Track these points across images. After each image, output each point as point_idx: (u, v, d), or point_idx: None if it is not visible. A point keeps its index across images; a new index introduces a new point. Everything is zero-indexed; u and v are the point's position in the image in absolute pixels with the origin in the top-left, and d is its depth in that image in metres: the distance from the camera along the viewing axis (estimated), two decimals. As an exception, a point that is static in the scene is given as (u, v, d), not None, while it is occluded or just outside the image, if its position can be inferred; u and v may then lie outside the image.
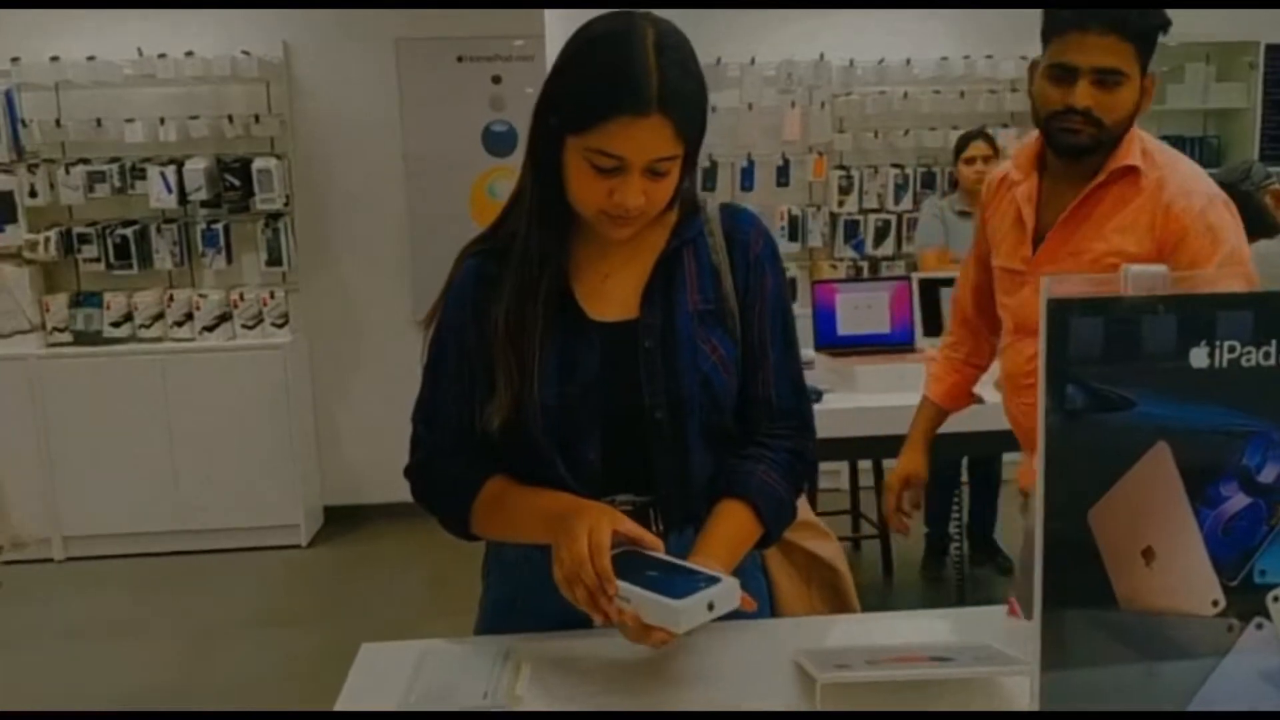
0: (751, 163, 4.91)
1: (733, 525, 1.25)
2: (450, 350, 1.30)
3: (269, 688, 3.16)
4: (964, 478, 3.84)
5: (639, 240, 1.29)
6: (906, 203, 4.89)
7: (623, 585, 1.08)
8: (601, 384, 1.25)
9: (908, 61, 4.83)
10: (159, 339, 4.50)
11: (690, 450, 1.26)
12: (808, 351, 3.33)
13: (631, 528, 1.16)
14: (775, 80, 4.80)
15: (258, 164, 4.45)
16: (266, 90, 4.53)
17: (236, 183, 4.47)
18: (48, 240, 4.38)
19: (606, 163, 1.16)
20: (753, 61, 4.78)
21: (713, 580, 1.09)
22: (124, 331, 4.48)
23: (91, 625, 3.78)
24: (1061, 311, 0.83)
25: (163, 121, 4.38)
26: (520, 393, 1.22)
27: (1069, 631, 0.85)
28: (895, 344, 3.22)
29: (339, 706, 1.17)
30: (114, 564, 4.35)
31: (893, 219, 4.93)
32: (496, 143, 4.62)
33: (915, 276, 3.37)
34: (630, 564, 1.12)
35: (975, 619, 1.35)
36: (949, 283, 2.51)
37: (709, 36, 4.74)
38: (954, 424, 2.14)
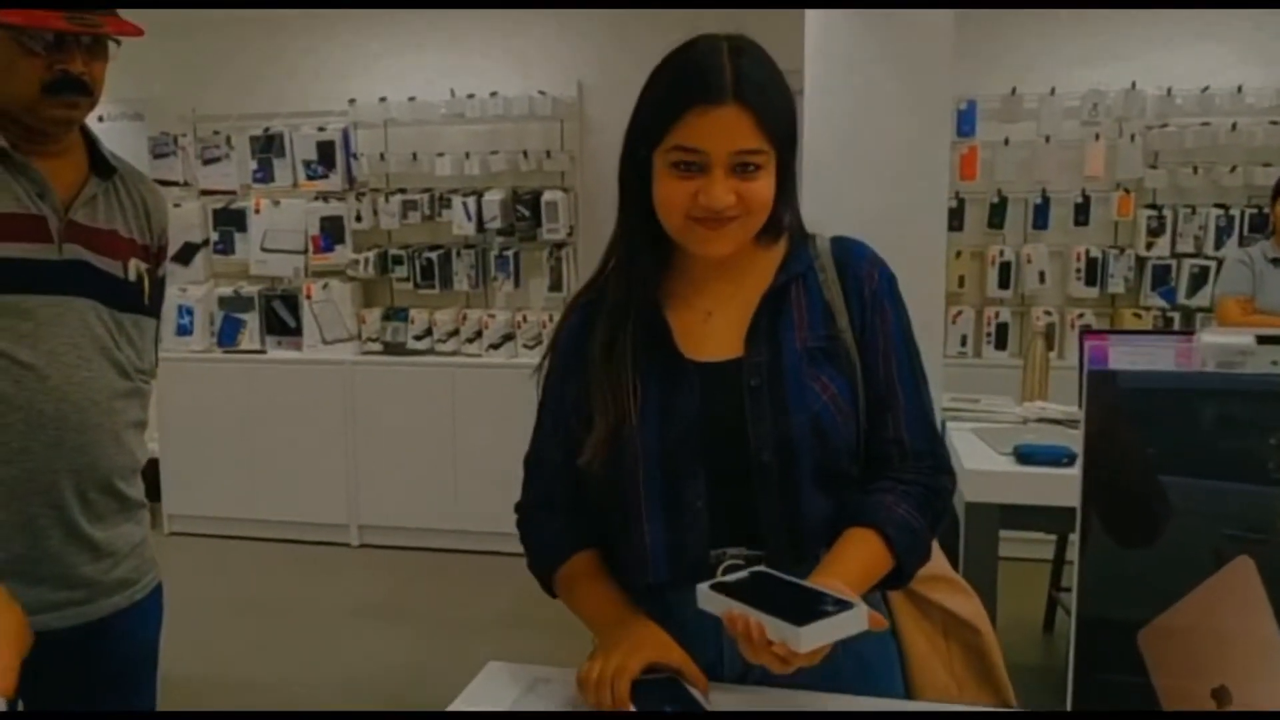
0: (1046, 199, 4.53)
1: (859, 552, 1.16)
2: (554, 398, 1.29)
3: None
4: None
5: (742, 276, 1.23)
6: (1230, 247, 4.28)
7: (743, 608, 1.04)
8: (702, 426, 1.19)
9: (1238, 89, 4.24)
10: (453, 353, 4.93)
11: (801, 495, 1.18)
12: (1072, 409, 3.01)
13: (677, 658, 1.12)
14: (1078, 111, 4.40)
15: (546, 196, 4.76)
16: (560, 128, 4.84)
17: (527, 213, 4.81)
18: (368, 260, 4.95)
19: (687, 157, 1.12)
20: (1053, 92, 4.42)
21: (843, 605, 1.02)
22: (424, 345, 4.95)
23: (371, 606, 4.19)
24: (1105, 385, 0.69)
25: (467, 156, 4.81)
26: (617, 428, 1.19)
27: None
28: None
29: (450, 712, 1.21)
30: (400, 554, 4.80)
31: (1211, 265, 4.33)
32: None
33: (1204, 332, 2.93)
34: (759, 586, 1.09)
35: None
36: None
37: (1005, 67, 4.47)
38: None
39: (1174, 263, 4.41)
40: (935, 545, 1.31)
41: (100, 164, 1.46)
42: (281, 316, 5.06)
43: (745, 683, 1.19)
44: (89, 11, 1.36)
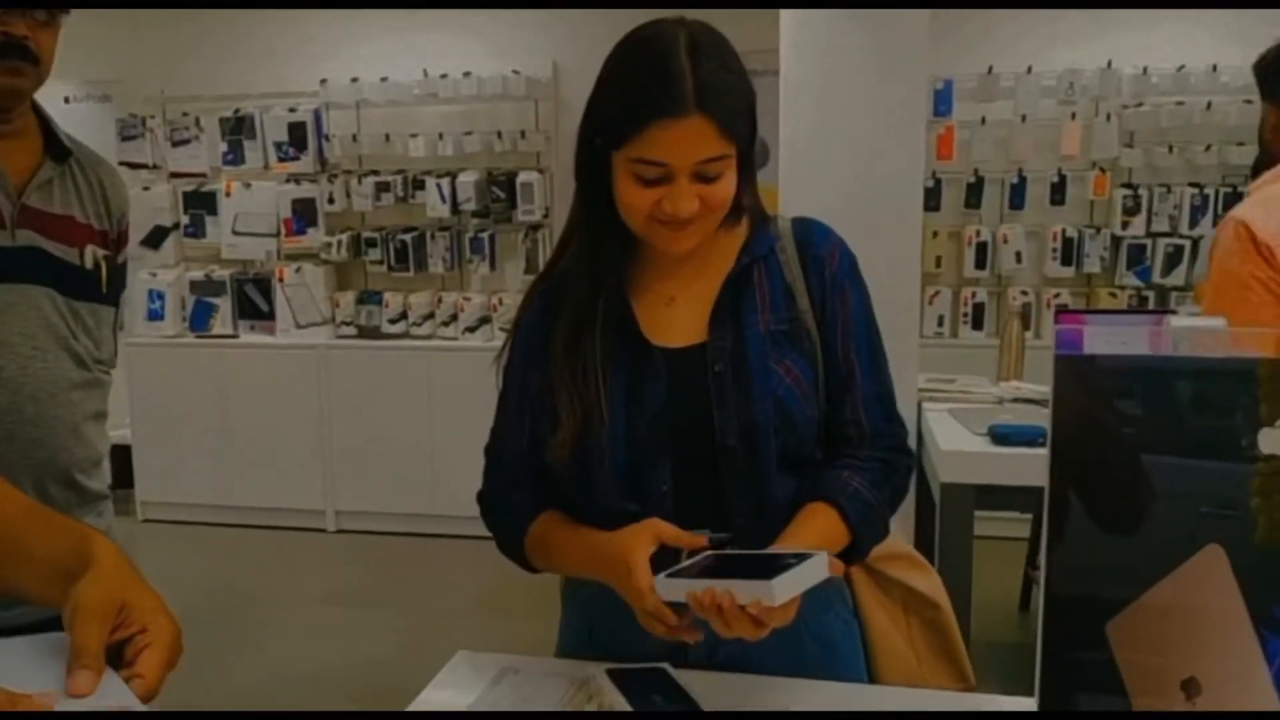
0: (1023, 179, 4.53)
1: (814, 525, 1.16)
2: (514, 387, 1.28)
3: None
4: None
5: (704, 261, 1.23)
6: (1205, 226, 4.30)
7: (706, 583, 1.04)
8: (669, 413, 1.19)
9: (1213, 68, 4.24)
10: (428, 336, 4.89)
11: (767, 478, 1.19)
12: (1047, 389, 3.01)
13: (670, 533, 1.12)
14: (1054, 90, 4.39)
15: (521, 177, 4.72)
16: (535, 108, 4.79)
17: (502, 195, 4.76)
18: (340, 243, 4.89)
19: (651, 172, 1.11)
20: (1029, 70, 4.41)
21: (802, 556, 1.03)
22: (399, 328, 4.91)
23: (346, 593, 4.17)
24: (1075, 368, 0.68)
25: (441, 137, 4.75)
26: (584, 424, 1.18)
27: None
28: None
29: (415, 705, 1.19)
30: (377, 539, 4.77)
31: (1186, 244, 4.35)
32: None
33: (1182, 310, 2.94)
34: (714, 565, 1.10)
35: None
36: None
37: (982, 46, 4.45)
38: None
39: (1149, 242, 4.42)
40: (894, 523, 1.31)
41: (55, 146, 1.42)
42: (254, 300, 5.00)
43: (713, 664, 1.19)
44: None
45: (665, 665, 1.17)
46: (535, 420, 1.25)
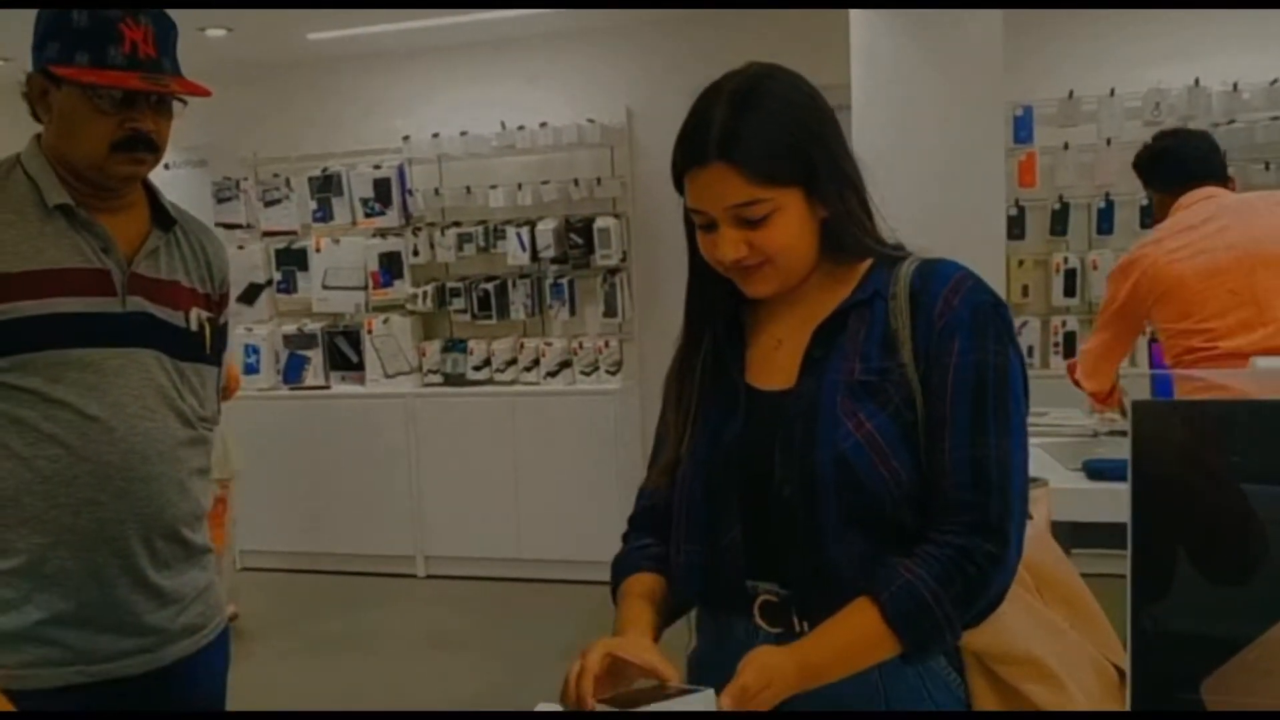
0: (1110, 203, 4.42)
1: (845, 625, 1.07)
2: (660, 422, 1.31)
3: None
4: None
5: (814, 304, 1.20)
6: (1308, 245, 4.11)
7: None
8: (741, 457, 1.18)
9: (1309, 79, 4.10)
10: (511, 382, 4.95)
11: (825, 537, 1.10)
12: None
13: (641, 657, 1.08)
14: (1140, 112, 4.29)
15: (599, 223, 4.78)
16: (610, 155, 4.86)
17: (580, 241, 4.83)
18: (426, 294, 5.01)
19: (700, 219, 1.16)
20: (1112, 93, 4.31)
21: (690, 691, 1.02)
22: (483, 375, 4.99)
23: (438, 637, 4.21)
24: (1151, 417, 0.65)
25: (520, 187, 4.85)
26: (677, 456, 1.22)
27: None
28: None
29: None
30: (466, 584, 4.82)
31: (1288, 264, 4.17)
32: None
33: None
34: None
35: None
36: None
37: (1061, 70, 4.38)
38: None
39: (1248, 263, 4.25)
40: (1029, 618, 1.17)
41: (161, 216, 1.49)
42: (344, 352, 5.14)
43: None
44: (159, 72, 1.39)
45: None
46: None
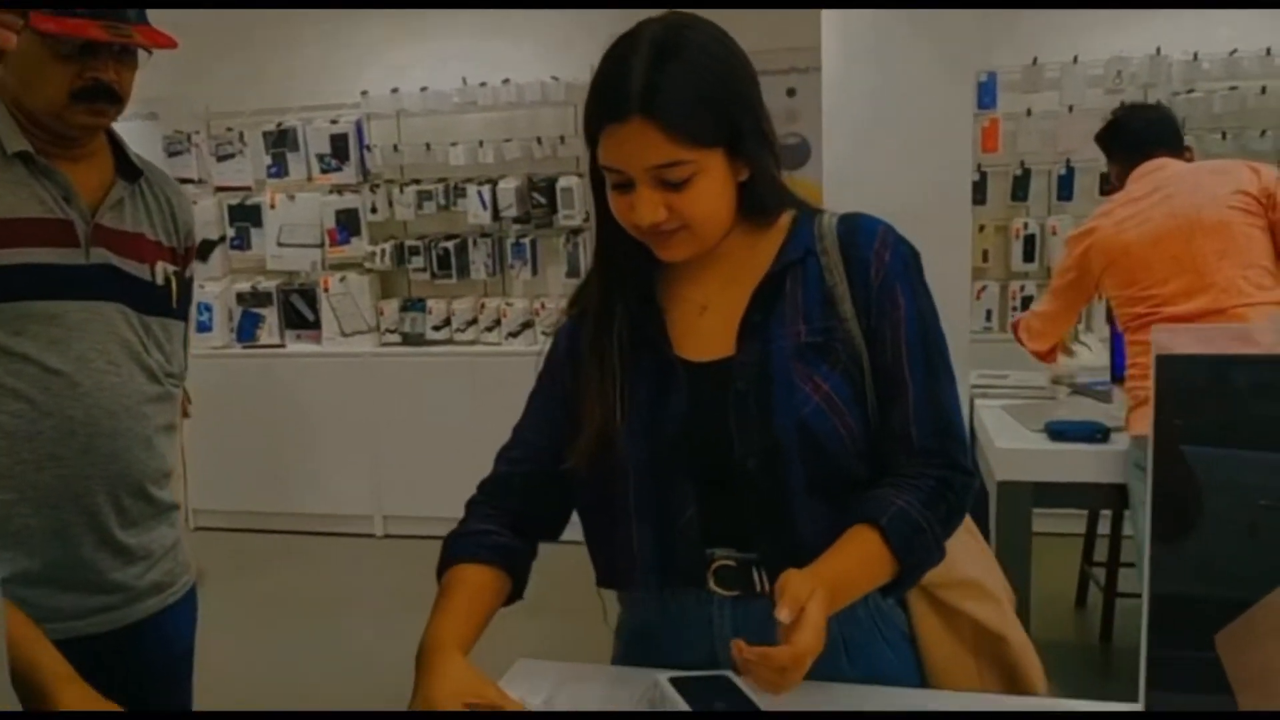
0: (1071, 170, 4.46)
1: (850, 551, 1.07)
2: (542, 389, 1.26)
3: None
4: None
5: (738, 266, 1.17)
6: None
7: (681, 706, 1.05)
8: (690, 432, 1.14)
9: (1267, 52, 4.15)
10: (472, 342, 4.91)
11: (791, 503, 1.11)
12: (1105, 384, 2.96)
13: (487, 698, 1.06)
14: (1102, 79, 4.32)
15: (561, 182, 4.73)
16: (574, 113, 4.79)
17: (543, 200, 4.77)
18: (384, 252, 4.93)
19: (615, 178, 1.09)
20: (1075, 60, 4.34)
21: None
22: (443, 335, 4.93)
23: (400, 599, 4.18)
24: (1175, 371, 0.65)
25: (481, 144, 4.78)
26: (601, 430, 1.15)
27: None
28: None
29: None
30: (425, 544, 4.78)
31: (1241, 233, 4.25)
32: (787, 156, 4.56)
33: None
34: (709, 691, 1.08)
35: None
36: None
37: (1025, 37, 4.39)
38: None
39: (1201, 231, 4.33)
40: (970, 545, 1.25)
41: (126, 167, 1.44)
42: (300, 310, 5.05)
43: None
44: (122, 21, 1.33)
45: (728, 673, 1.16)
46: (554, 422, 1.22)
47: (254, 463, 4.98)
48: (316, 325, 5.02)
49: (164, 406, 1.46)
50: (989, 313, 4.53)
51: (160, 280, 1.45)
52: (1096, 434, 2.58)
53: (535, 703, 1.19)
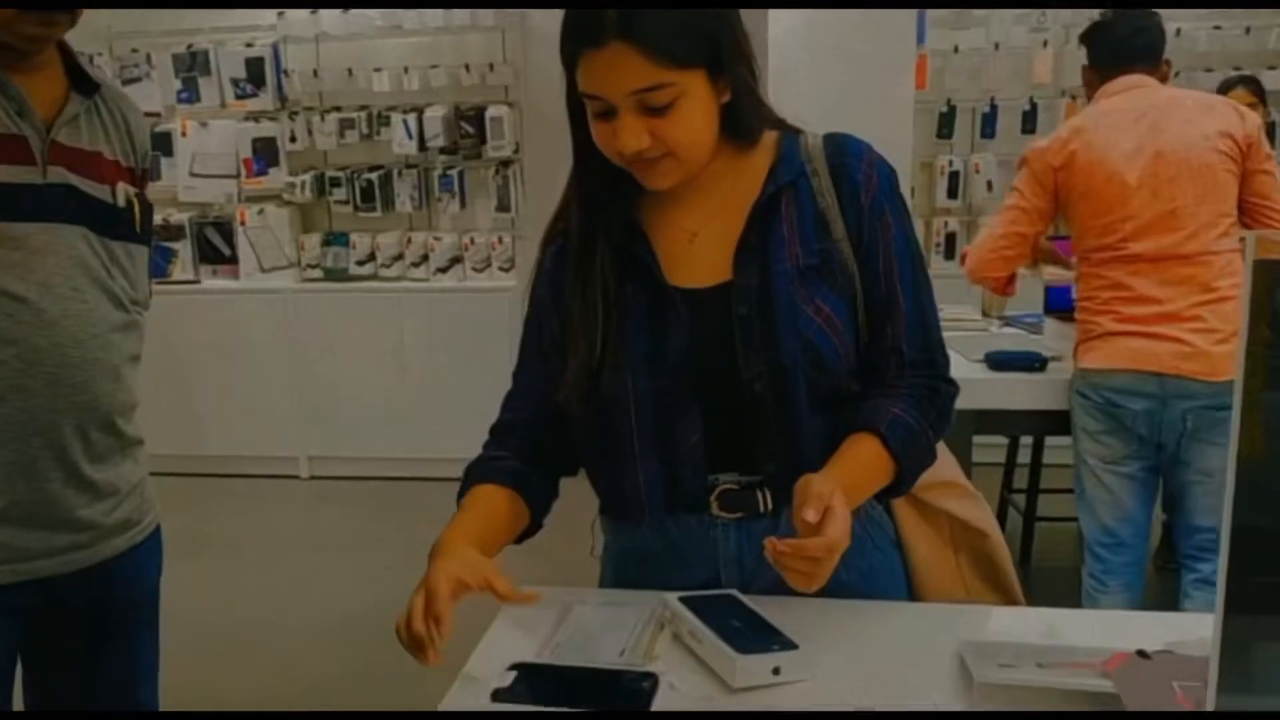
0: (994, 107, 4.55)
1: (854, 455, 1.12)
2: (532, 332, 1.25)
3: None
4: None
5: (728, 191, 1.17)
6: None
7: (697, 627, 1.08)
8: (694, 360, 1.15)
9: (1181, -11, 4.28)
10: (398, 278, 4.79)
11: (798, 421, 1.15)
12: (1036, 316, 3.06)
13: (478, 579, 1.07)
14: (1027, 18, 4.40)
15: (491, 112, 4.61)
16: (502, 39, 4.66)
17: (471, 130, 4.65)
18: (304, 183, 4.75)
19: (597, 105, 1.08)
20: (1001, -2, 4.40)
21: (789, 645, 1.05)
22: (367, 270, 4.80)
23: (328, 541, 4.13)
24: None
25: (406, 71, 4.61)
26: (589, 367, 1.15)
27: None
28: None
29: (481, 649, 1.18)
30: (351, 484, 4.72)
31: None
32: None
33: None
34: (720, 608, 1.12)
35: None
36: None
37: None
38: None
39: (1117, 169, 4.48)
40: (944, 451, 1.29)
41: (81, 80, 1.34)
42: (215, 245, 4.84)
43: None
44: None
45: (734, 591, 1.18)
46: (548, 362, 1.21)
47: (171, 405, 4.78)
48: (234, 260, 4.82)
49: (130, 336, 1.39)
50: (916, 248, 4.62)
51: (122, 202, 1.37)
52: (1035, 363, 2.67)
53: (545, 627, 1.19)
